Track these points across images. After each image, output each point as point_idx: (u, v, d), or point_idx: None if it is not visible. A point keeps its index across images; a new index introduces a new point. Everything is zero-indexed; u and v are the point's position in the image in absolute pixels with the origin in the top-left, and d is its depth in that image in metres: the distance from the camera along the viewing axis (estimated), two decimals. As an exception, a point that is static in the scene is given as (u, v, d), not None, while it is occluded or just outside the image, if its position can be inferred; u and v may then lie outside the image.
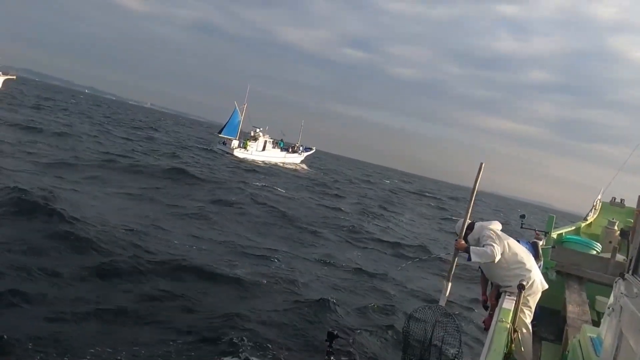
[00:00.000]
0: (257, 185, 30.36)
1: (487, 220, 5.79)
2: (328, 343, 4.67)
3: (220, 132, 59.49)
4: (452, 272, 5.42)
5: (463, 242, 5.41)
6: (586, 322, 5.86)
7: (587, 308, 6.70)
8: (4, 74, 68.57)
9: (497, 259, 5.22)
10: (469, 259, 5.31)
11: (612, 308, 3.47)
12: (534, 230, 8.34)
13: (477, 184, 5.63)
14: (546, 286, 5.58)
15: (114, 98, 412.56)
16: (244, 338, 7.64)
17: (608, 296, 4.79)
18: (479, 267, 5.76)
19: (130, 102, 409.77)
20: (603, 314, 4.72)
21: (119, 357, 6.69)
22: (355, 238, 19.78)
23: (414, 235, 25.21)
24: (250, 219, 18.91)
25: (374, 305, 10.93)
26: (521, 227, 8.11)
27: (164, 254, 11.39)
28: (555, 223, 9.18)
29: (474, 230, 5.49)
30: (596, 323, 5.79)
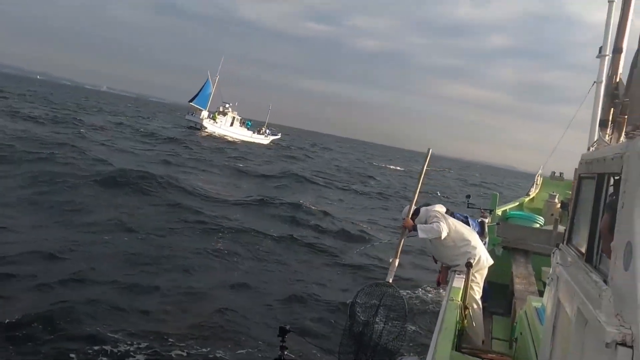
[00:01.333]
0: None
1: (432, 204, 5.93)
2: (280, 338, 4.62)
3: (191, 101, 58.62)
4: (400, 250, 5.50)
5: (410, 220, 5.53)
6: (532, 293, 6.04)
7: (533, 280, 6.94)
8: None
9: (443, 235, 5.40)
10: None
11: (551, 277, 3.60)
12: (480, 209, 8.59)
13: (425, 169, 5.76)
14: (491, 262, 5.76)
15: (69, 83, 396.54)
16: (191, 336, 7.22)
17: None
18: (430, 251, 5.95)
19: (86, 87, 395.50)
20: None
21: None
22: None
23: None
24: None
25: (324, 293, 10.22)
26: (467, 207, 8.23)
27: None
28: (499, 199, 9.76)
29: (420, 215, 5.64)
30: (542, 294, 5.88)
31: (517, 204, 12.13)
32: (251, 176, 27.62)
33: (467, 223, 6.11)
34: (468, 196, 8.51)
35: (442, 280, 5.94)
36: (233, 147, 45.79)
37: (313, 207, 19.24)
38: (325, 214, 18.55)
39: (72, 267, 9.00)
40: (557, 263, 3.28)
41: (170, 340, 6.98)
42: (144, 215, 14.01)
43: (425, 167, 5.79)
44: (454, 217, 5.87)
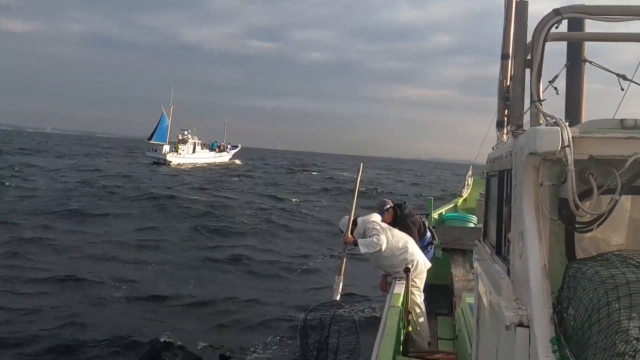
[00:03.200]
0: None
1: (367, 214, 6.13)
2: None
3: (150, 139, 58.14)
4: (344, 267, 5.56)
5: (350, 236, 5.68)
6: (470, 291, 6.16)
7: (470, 277, 7.01)
8: None
9: (384, 247, 5.57)
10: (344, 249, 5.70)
11: (474, 273, 3.70)
12: (416, 214, 8.88)
13: (358, 183, 6.24)
14: (429, 265, 6.00)
15: (9, 128, 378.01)
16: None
17: None
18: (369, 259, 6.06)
19: (28, 130, 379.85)
20: None
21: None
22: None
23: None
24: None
25: (270, 313, 9.80)
26: None
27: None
28: (434, 203, 10.51)
29: (357, 226, 5.81)
30: None
31: (452, 205, 12.55)
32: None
33: (430, 231, 6.80)
34: (404, 203, 8.59)
35: (383, 288, 6.17)
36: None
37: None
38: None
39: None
40: (475, 259, 3.45)
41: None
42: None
43: (358, 180, 6.22)
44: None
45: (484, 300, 2.80)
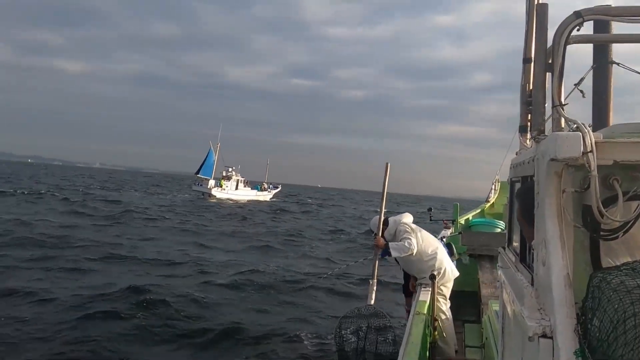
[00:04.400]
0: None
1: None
2: None
3: (197, 173, 60.48)
4: (377, 270, 5.57)
5: (382, 239, 5.57)
6: (497, 298, 5.59)
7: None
8: None
9: (415, 252, 5.47)
10: (383, 255, 5.59)
11: (498, 281, 3.67)
12: (442, 220, 8.95)
13: (387, 182, 6.00)
14: (457, 274, 5.94)
15: (61, 163, 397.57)
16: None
17: None
18: (396, 260, 5.96)
19: (78, 165, 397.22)
20: None
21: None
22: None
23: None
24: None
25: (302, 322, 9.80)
26: (430, 220, 8.43)
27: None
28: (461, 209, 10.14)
29: (389, 226, 5.72)
30: None
31: (478, 211, 12.33)
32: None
33: (449, 247, 6.54)
34: (429, 209, 8.54)
35: (413, 288, 6.00)
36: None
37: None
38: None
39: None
40: (499, 266, 3.40)
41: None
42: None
43: (386, 181, 6.00)
44: None
45: (508, 309, 2.74)
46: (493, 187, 14.57)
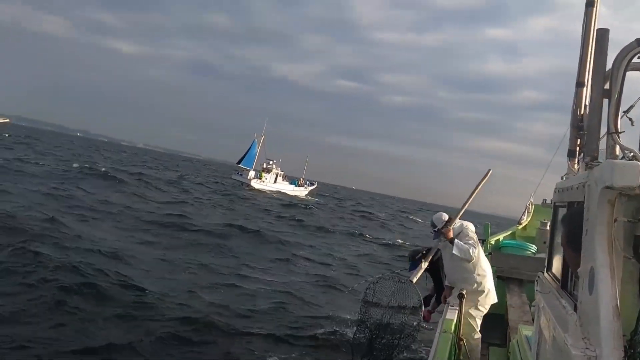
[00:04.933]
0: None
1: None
2: None
3: (239, 162, 62.02)
4: (431, 256, 5.61)
5: (451, 232, 5.52)
6: (527, 322, 6.05)
7: (527, 309, 6.97)
8: None
9: (473, 259, 5.46)
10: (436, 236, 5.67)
11: (535, 305, 3.68)
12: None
13: (479, 188, 5.75)
14: (496, 300, 5.85)
15: (106, 140, 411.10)
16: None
17: None
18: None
19: (122, 143, 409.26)
20: None
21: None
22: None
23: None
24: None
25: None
26: None
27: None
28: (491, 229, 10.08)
29: (455, 227, 5.62)
30: None
31: (510, 232, 12.13)
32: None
33: None
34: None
35: (444, 300, 5.99)
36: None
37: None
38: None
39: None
40: (537, 291, 3.35)
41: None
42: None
43: (480, 185, 5.75)
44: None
45: (546, 335, 2.69)
46: (526, 209, 14.38)
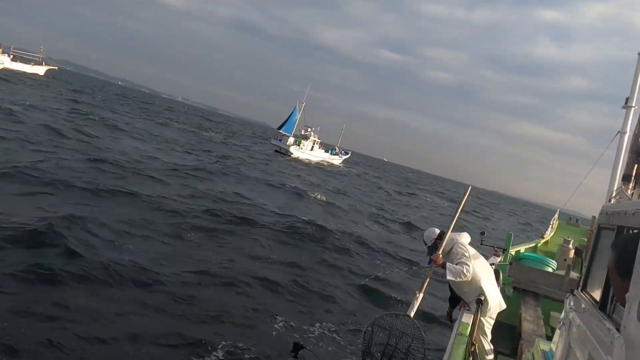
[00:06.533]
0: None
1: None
2: (294, 354, 4.45)
3: (279, 128, 63.32)
4: (426, 285, 5.32)
5: (441, 257, 5.43)
6: (540, 336, 6.09)
7: (541, 323, 6.95)
8: (47, 64, 76.44)
9: (469, 278, 5.36)
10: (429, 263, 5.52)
11: (563, 322, 3.60)
12: (493, 247, 8.75)
13: (463, 205, 5.70)
14: (504, 306, 5.72)
15: (147, 91, 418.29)
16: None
17: (562, 312, 4.68)
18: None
19: (162, 96, 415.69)
20: (556, 329, 4.71)
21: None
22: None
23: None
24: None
25: (343, 311, 10.21)
26: (481, 244, 8.10)
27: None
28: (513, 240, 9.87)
29: (445, 242, 5.50)
30: (549, 338, 5.79)
31: (532, 245, 12.13)
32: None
33: None
34: (482, 233, 8.35)
35: (463, 306, 5.83)
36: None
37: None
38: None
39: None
40: (571, 308, 3.31)
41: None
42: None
43: (463, 203, 5.71)
44: None
45: (579, 354, 2.73)
46: (551, 225, 14.49)
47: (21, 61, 74.51)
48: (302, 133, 63.23)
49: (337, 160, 70.08)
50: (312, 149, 62.99)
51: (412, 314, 4.91)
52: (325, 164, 63.64)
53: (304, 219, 17.64)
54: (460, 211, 5.67)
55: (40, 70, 76.55)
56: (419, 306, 5.12)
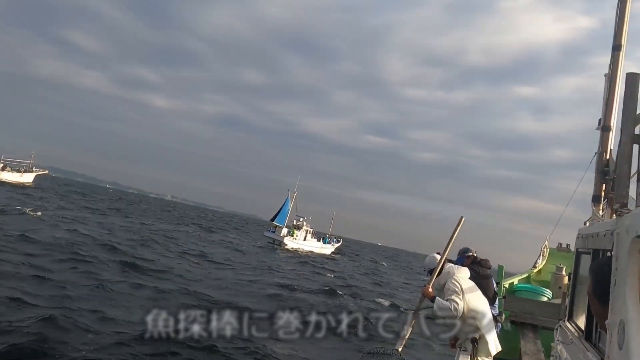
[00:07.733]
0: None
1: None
2: None
3: (273, 220, 62.86)
4: (415, 319, 5.23)
5: (431, 290, 5.34)
6: None
7: (542, 356, 6.87)
8: (37, 168, 76.66)
9: (458, 316, 5.13)
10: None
11: (553, 355, 3.46)
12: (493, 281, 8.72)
13: (455, 235, 5.63)
14: (499, 349, 5.35)
15: (136, 192, 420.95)
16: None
17: None
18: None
19: (150, 195, 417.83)
20: None
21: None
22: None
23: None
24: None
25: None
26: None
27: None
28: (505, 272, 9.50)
29: (442, 273, 5.41)
30: None
31: (525, 276, 11.83)
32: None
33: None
34: (487, 261, 8.22)
35: (452, 346, 5.66)
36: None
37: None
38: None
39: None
40: (558, 340, 3.26)
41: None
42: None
43: (456, 233, 5.65)
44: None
45: None
46: (541, 253, 14.07)
47: (10, 169, 74.92)
48: (295, 223, 63.02)
49: (328, 249, 68.80)
50: (305, 239, 62.58)
51: (399, 348, 4.85)
52: (316, 252, 62.47)
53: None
54: (452, 242, 5.63)
55: (29, 177, 77.01)
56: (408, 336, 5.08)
